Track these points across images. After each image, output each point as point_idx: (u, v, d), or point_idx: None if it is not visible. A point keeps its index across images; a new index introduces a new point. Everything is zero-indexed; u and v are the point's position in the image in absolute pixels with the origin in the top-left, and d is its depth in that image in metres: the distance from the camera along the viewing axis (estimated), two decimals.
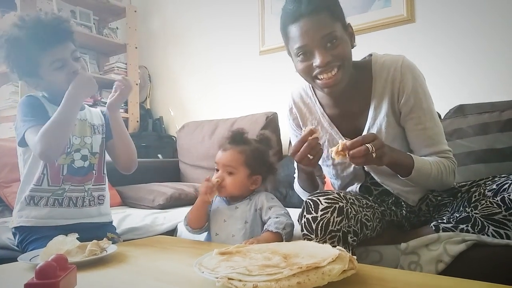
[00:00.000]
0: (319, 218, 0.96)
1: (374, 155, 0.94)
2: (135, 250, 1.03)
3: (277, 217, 1.11)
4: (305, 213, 1.00)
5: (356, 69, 1.14)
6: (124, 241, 1.34)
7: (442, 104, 1.76)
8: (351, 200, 1.04)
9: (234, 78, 2.80)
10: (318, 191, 1.07)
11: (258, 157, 1.22)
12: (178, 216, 1.69)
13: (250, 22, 2.69)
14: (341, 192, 1.05)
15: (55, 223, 1.22)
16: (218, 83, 2.89)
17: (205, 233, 1.25)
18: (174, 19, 3.17)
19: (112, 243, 1.03)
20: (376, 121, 1.14)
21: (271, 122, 2.26)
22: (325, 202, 0.97)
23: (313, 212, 0.98)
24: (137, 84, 3.08)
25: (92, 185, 1.31)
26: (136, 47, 3.10)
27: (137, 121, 3.04)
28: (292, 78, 1.25)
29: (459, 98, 1.83)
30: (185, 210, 1.82)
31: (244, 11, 2.73)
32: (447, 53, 1.97)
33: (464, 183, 1.17)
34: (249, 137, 1.26)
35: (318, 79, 1.07)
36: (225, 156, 1.20)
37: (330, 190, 1.04)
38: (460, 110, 1.72)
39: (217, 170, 1.22)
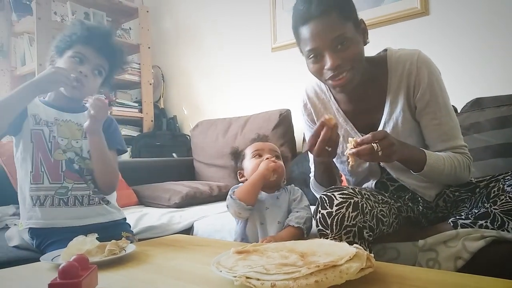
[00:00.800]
0: (334, 213, 0.96)
1: (380, 153, 0.95)
2: (153, 249, 1.05)
3: (297, 211, 1.14)
4: (320, 208, 1.00)
5: (371, 64, 1.14)
6: (142, 240, 1.36)
7: (458, 98, 1.73)
8: (366, 196, 1.04)
9: (246, 76, 2.80)
10: (333, 186, 1.07)
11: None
12: (194, 214, 1.71)
13: (262, 19, 2.68)
14: (356, 188, 1.04)
15: (66, 223, 1.21)
16: (230, 81, 2.90)
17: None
18: (186, 19, 3.19)
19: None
20: (392, 116, 1.14)
21: (285, 119, 2.26)
22: (340, 197, 0.97)
23: (328, 207, 0.98)
24: (150, 84, 3.11)
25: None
26: (149, 47, 3.12)
27: (152, 121, 3.07)
28: (305, 75, 1.24)
29: (476, 91, 1.79)
30: (201, 208, 1.87)
31: (256, 8, 2.73)
32: (462, 45, 1.93)
33: (482, 178, 1.15)
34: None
35: (330, 79, 1.08)
36: (269, 145, 1.28)
37: (345, 186, 1.04)
38: (477, 104, 1.69)
39: (260, 156, 1.23)
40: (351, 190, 1.00)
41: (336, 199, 0.97)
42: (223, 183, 2.19)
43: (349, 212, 0.96)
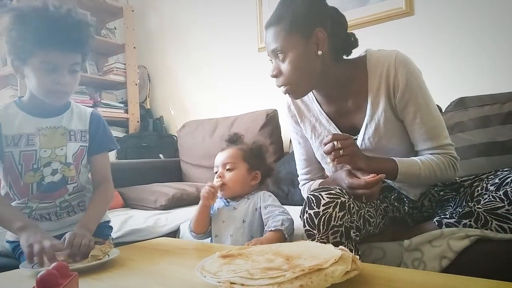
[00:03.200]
0: (321, 213, 0.96)
1: (341, 152, 1.01)
2: (138, 254, 1.03)
3: (273, 217, 1.14)
4: (307, 208, 1.00)
5: (351, 66, 1.16)
6: (127, 243, 1.33)
7: (443, 97, 1.75)
8: None
9: (233, 76, 2.79)
10: (320, 187, 1.07)
11: (257, 154, 1.30)
12: (180, 216, 1.69)
13: (248, 19, 2.67)
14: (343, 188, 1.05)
15: None
16: (217, 81, 2.88)
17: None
18: (171, 18, 3.16)
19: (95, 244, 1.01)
20: (374, 117, 1.14)
21: (272, 119, 2.25)
22: (327, 197, 0.97)
23: (315, 207, 0.97)
24: (136, 84, 3.08)
25: (68, 196, 1.21)
26: (134, 47, 3.09)
27: (138, 121, 3.05)
28: None
29: (460, 90, 1.81)
30: (188, 210, 1.85)
31: (242, 8, 2.72)
32: (447, 45, 1.95)
33: (466, 178, 1.16)
34: (245, 140, 1.37)
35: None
36: (224, 154, 1.27)
37: (332, 186, 1.04)
38: (461, 103, 1.71)
39: (217, 172, 1.25)
40: (338, 190, 1.00)
41: (323, 199, 0.97)
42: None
43: (336, 212, 0.96)
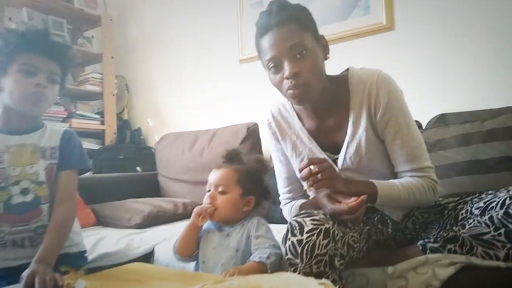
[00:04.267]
0: (304, 241, 0.91)
1: (319, 176, 0.97)
2: (106, 285, 0.96)
3: (262, 249, 1.06)
4: (289, 235, 0.94)
5: (333, 83, 1.13)
6: (97, 268, 1.23)
7: (423, 113, 1.75)
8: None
9: (214, 87, 2.74)
10: (303, 211, 1.03)
11: (253, 176, 1.18)
12: (155, 237, 1.62)
13: (230, 31, 2.63)
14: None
15: (2, 265, 1.08)
16: (198, 92, 2.82)
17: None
18: (152, 27, 3.09)
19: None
20: (355, 136, 1.12)
21: (252, 133, 2.20)
22: (311, 224, 0.92)
23: (298, 234, 0.92)
24: (113, 95, 2.98)
25: (44, 218, 1.15)
26: (112, 57, 3.00)
27: (114, 133, 2.94)
28: (273, 88, 1.19)
29: (441, 107, 1.81)
30: (164, 228, 1.78)
31: (223, 18, 2.68)
32: (427, 61, 1.95)
33: (451, 199, 1.14)
34: (245, 157, 1.23)
35: (289, 89, 1.04)
36: (218, 174, 1.17)
37: (315, 211, 1.00)
38: (441, 120, 1.71)
39: (209, 192, 1.16)
40: (322, 216, 0.95)
41: (307, 226, 0.92)
42: (189, 200, 2.10)
43: (320, 239, 0.91)
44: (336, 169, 1.12)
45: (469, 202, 1.05)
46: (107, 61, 2.96)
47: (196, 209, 1.12)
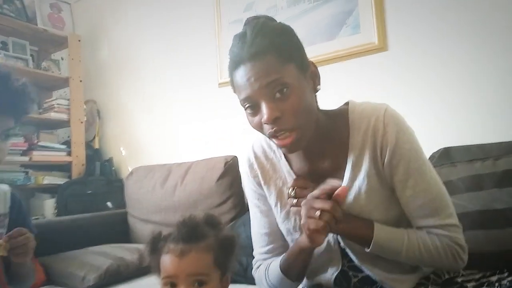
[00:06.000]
0: None
1: (294, 201, 0.88)
2: None
3: None
4: None
5: (329, 118, 0.93)
6: None
7: (423, 146, 1.50)
8: None
9: (191, 113, 2.49)
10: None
11: (227, 248, 0.84)
12: None
13: (207, 51, 2.40)
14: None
15: None
16: (174, 119, 2.57)
17: None
18: (125, 49, 2.85)
19: None
20: (354, 183, 0.91)
21: (231, 168, 1.95)
22: None
23: None
24: (82, 122, 2.72)
25: None
26: (80, 80, 2.75)
27: (83, 165, 2.67)
28: None
29: (443, 138, 1.57)
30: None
31: (200, 38, 2.44)
32: (425, 85, 1.72)
33: (470, 276, 0.89)
34: (206, 227, 0.84)
35: (272, 138, 0.85)
36: (188, 263, 0.79)
37: None
38: (445, 155, 1.46)
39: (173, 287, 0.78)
40: None
41: None
42: None
43: None
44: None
45: (496, 283, 0.81)
46: (75, 85, 2.71)
47: None
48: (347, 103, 0.96)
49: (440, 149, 1.51)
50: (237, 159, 1.99)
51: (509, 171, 1.24)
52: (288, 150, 0.87)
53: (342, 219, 0.82)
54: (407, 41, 1.77)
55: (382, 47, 1.83)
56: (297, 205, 0.86)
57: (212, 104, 2.37)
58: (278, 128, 0.82)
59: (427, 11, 1.72)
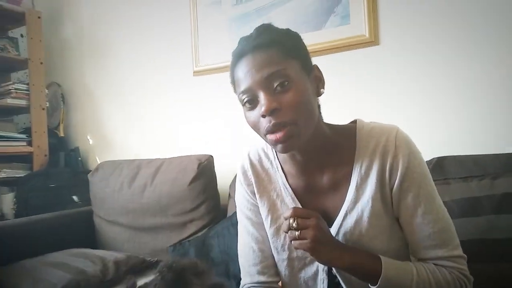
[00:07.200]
0: None
1: (297, 234, 0.79)
2: None
3: None
4: None
5: (335, 132, 0.89)
6: None
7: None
8: None
9: (163, 101, 2.29)
10: None
11: None
12: None
13: (182, 34, 2.18)
14: None
15: None
16: (144, 104, 2.36)
17: None
18: (92, 26, 2.60)
19: None
20: (357, 205, 0.85)
21: (205, 169, 1.78)
22: None
23: None
24: (43, 109, 2.49)
25: None
26: (41, 62, 2.49)
27: (45, 155, 2.46)
28: (235, 106, 0.91)
29: (436, 144, 1.45)
30: None
31: (174, 18, 2.22)
32: (418, 82, 1.57)
33: None
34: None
35: (268, 133, 0.80)
36: None
37: None
38: (438, 168, 1.34)
39: None
40: None
41: None
42: (124, 255, 1.67)
43: None
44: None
45: None
46: (35, 68, 2.46)
47: None
48: (354, 121, 0.91)
49: (434, 158, 1.38)
50: (212, 158, 1.82)
51: (508, 195, 1.13)
52: (283, 146, 0.80)
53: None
54: (402, 35, 1.60)
55: (373, 40, 1.66)
56: (300, 237, 0.79)
57: (187, 93, 2.18)
58: (275, 121, 0.77)
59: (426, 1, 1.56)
